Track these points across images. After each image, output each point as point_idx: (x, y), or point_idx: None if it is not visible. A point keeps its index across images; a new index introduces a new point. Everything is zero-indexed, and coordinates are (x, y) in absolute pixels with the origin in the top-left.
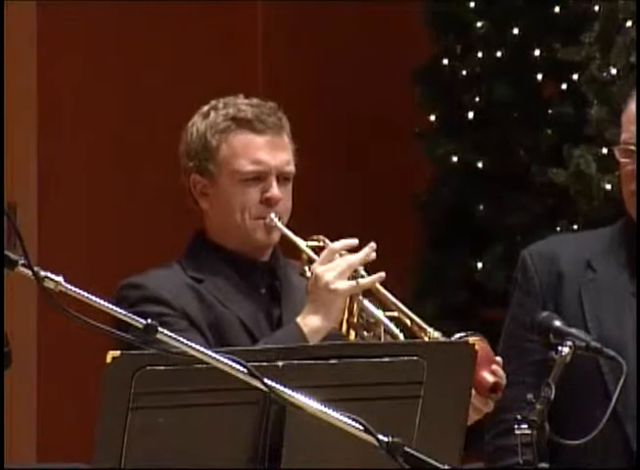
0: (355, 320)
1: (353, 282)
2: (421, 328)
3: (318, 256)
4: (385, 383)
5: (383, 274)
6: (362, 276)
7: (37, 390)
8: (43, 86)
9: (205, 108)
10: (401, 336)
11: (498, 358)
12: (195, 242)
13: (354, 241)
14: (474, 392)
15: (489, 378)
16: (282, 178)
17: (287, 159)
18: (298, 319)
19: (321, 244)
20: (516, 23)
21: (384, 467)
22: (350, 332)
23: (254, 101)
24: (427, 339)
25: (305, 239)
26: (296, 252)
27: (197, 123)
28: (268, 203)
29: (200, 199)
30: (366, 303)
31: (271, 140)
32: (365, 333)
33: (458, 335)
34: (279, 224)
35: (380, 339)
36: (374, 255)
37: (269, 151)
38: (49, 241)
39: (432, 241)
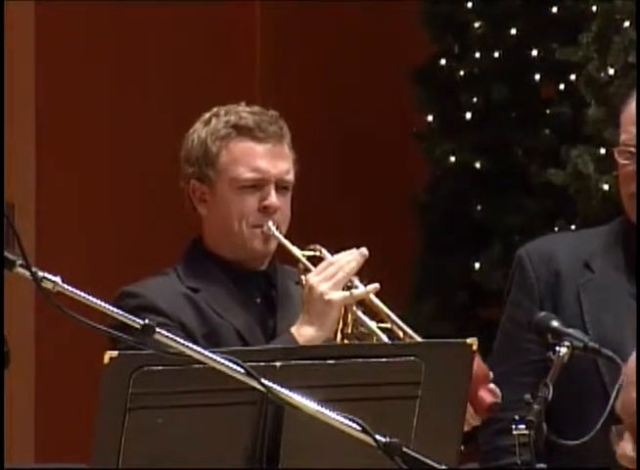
0: (349, 330)
1: (347, 293)
2: (413, 340)
3: (314, 265)
4: (382, 383)
5: (377, 285)
6: (356, 287)
7: (35, 390)
8: (41, 86)
9: (207, 115)
10: None
11: (491, 374)
12: (192, 250)
13: (353, 252)
14: (471, 410)
15: (488, 398)
16: (281, 187)
17: (286, 168)
18: (293, 329)
19: (317, 253)
20: (514, 23)
21: (381, 467)
22: (344, 342)
23: (256, 109)
24: None
25: (302, 248)
26: (292, 261)
27: (198, 130)
28: (266, 211)
29: (198, 205)
30: (359, 313)
31: (271, 149)
32: (358, 342)
33: None
34: (276, 233)
35: None
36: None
37: (269, 159)
38: (47, 241)
39: (430, 241)
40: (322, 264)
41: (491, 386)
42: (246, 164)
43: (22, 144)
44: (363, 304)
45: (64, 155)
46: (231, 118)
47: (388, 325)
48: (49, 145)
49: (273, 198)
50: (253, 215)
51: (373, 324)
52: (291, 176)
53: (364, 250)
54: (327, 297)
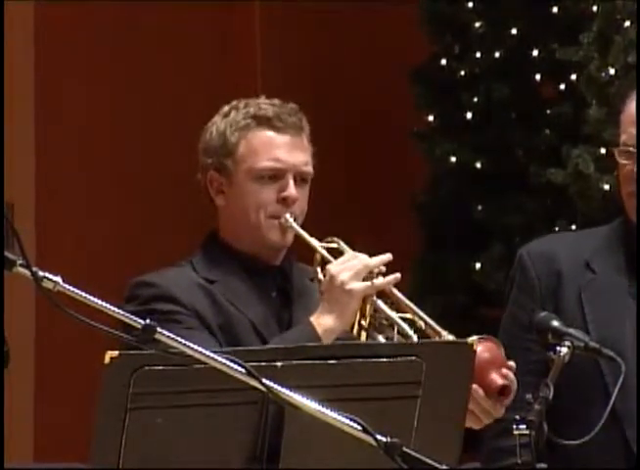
0: (367, 322)
1: (368, 283)
2: (435, 331)
3: (333, 257)
4: (383, 383)
5: (398, 275)
6: (376, 277)
7: (35, 389)
8: (41, 86)
9: (226, 108)
10: (415, 338)
11: (511, 363)
12: (208, 242)
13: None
14: (482, 393)
15: (498, 380)
16: (299, 179)
17: (305, 159)
18: (312, 319)
19: (335, 245)
20: (514, 23)
21: (382, 467)
22: (362, 334)
23: (276, 101)
24: None
25: (320, 240)
26: (310, 253)
27: (217, 122)
28: (285, 202)
29: (216, 196)
30: (380, 304)
31: (290, 140)
32: (377, 334)
33: (472, 338)
34: (294, 224)
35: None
36: (383, 268)
37: (288, 150)
38: (47, 241)
39: (430, 241)
40: (344, 256)
41: (504, 370)
42: (264, 154)
43: (21, 144)
44: (383, 295)
45: (63, 154)
46: (250, 110)
47: (409, 316)
48: (49, 144)
49: (292, 189)
50: (271, 206)
51: (394, 314)
52: (309, 168)
53: (390, 255)
54: (348, 286)
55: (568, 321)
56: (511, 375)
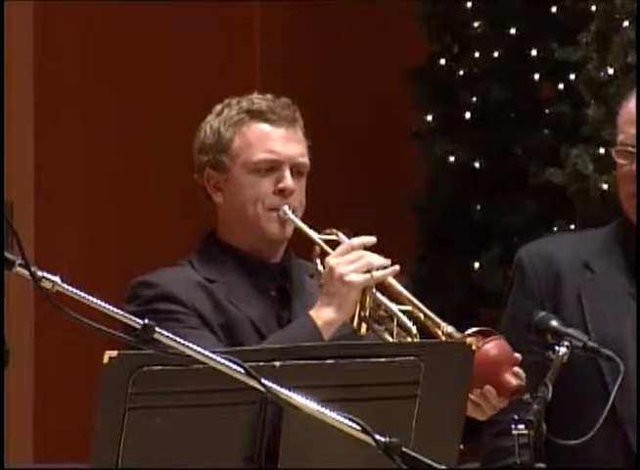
0: (367, 314)
1: (368, 275)
2: (434, 322)
3: (332, 249)
4: (382, 383)
5: (397, 267)
6: (376, 269)
7: (34, 389)
8: (40, 86)
9: (219, 106)
10: (414, 329)
11: (517, 355)
12: (206, 241)
13: (372, 239)
14: (495, 393)
15: (513, 381)
16: (296, 171)
17: (301, 151)
18: (312, 312)
19: (334, 237)
20: (513, 22)
21: (381, 467)
22: (362, 326)
23: (269, 96)
24: (440, 333)
25: (318, 232)
26: (309, 246)
27: (210, 121)
28: (282, 194)
29: (213, 194)
30: (380, 295)
31: (285, 132)
32: (377, 326)
33: (471, 330)
34: (292, 216)
35: (392, 333)
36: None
37: (283, 142)
38: (46, 241)
39: (429, 241)
40: (342, 247)
41: (516, 369)
42: (260, 147)
43: (21, 143)
44: (382, 287)
45: (63, 153)
46: (243, 105)
47: (409, 308)
48: (48, 144)
49: (288, 180)
50: (269, 198)
51: (394, 306)
52: (305, 160)
53: (397, 267)
54: (347, 278)
55: (567, 321)
56: (521, 372)
